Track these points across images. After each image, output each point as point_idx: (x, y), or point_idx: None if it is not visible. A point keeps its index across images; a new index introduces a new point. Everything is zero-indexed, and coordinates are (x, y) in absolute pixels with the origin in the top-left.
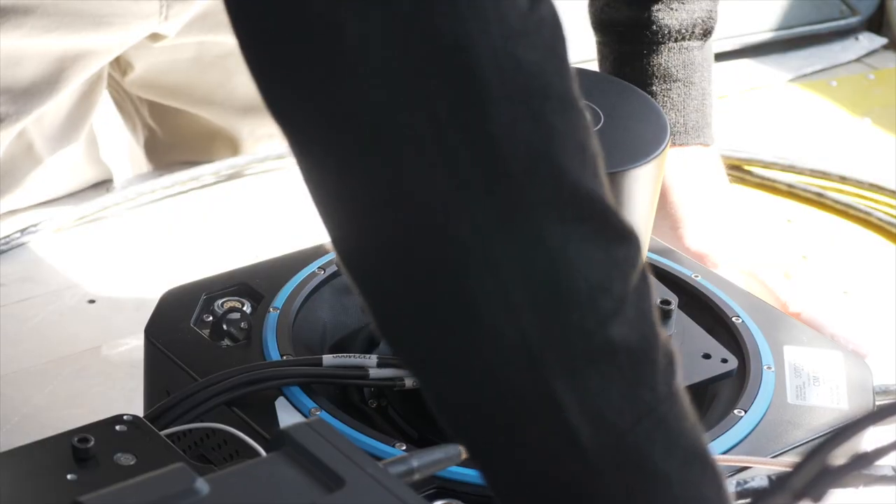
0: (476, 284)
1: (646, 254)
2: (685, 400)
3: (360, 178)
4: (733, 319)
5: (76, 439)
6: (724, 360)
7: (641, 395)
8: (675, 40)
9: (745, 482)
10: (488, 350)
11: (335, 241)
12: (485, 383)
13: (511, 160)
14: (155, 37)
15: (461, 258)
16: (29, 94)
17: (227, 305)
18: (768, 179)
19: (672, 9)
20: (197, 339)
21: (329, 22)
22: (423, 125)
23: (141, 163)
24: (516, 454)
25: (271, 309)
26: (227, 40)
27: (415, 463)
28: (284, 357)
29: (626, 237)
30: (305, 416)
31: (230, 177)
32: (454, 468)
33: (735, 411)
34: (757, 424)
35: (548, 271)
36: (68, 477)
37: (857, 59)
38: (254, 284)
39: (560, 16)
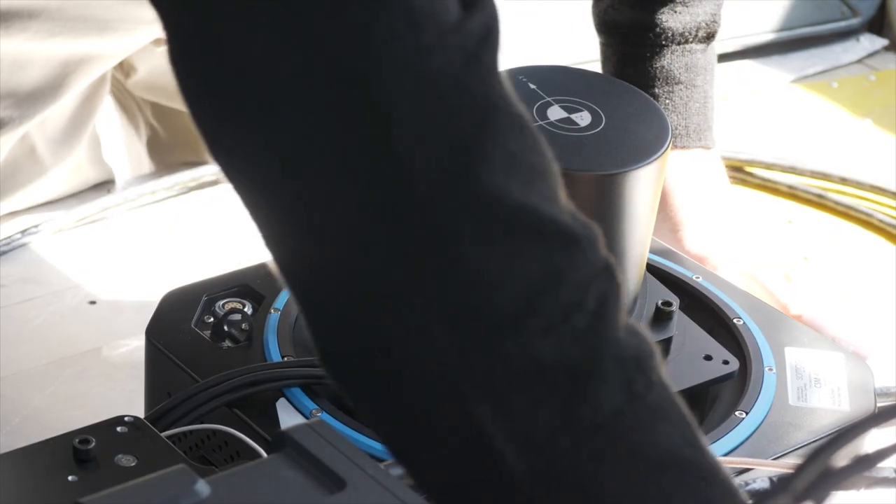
0: (388, 317)
1: (646, 255)
2: (660, 400)
3: (277, 213)
4: (734, 321)
5: (77, 441)
6: (726, 362)
7: (582, 412)
8: (679, 43)
9: (747, 484)
10: (409, 381)
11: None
12: (411, 415)
13: (417, 181)
14: (159, 41)
15: (372, 293)
16: (32, 98)
17: (228, 306)
18: (769, 181)
19: (676, 12)
20: (198, 340)
21: (238, 45)
22: (328, 156)
23: (143, 163)
24: (456, 486)
25: (272, 310)
26: None
27: None
28: (285, 358)
29: (570, 240)
30: (306, 418)
31: None
32: None
33: (736, 413)
34: (758, 426)
35: (464, 296)
36: (69, 478)
37: (859, 61)
38: (255, 285)
39: (497, 24)
